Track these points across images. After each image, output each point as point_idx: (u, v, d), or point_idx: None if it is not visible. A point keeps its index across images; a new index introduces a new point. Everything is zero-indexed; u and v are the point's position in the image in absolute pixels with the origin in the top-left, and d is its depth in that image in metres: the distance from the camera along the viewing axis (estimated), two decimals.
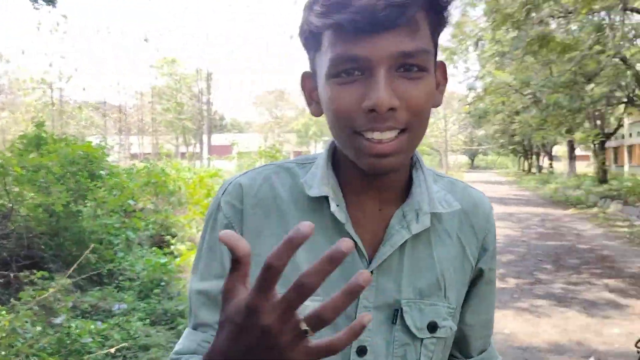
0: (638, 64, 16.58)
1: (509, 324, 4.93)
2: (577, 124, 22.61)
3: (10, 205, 4.89)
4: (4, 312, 3.39)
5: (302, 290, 0.47)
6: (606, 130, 23.09)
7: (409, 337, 0.80)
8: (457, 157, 57.14)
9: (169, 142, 38.79)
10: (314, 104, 0.79)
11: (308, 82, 0.80)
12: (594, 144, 23.32)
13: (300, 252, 0.75)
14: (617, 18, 11.81)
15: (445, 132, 29.09)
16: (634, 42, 17.19)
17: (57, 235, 5.05)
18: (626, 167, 36.34)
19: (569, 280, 6.65)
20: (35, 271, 4.51)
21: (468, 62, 34.19)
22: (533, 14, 9.88)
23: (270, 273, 0.47)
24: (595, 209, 15.51)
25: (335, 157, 0.82)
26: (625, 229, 11.16)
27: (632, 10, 13.93)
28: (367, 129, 0.69)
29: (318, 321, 0.48)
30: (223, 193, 0.82)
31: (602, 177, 22.74)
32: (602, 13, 12.84)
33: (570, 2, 10.60)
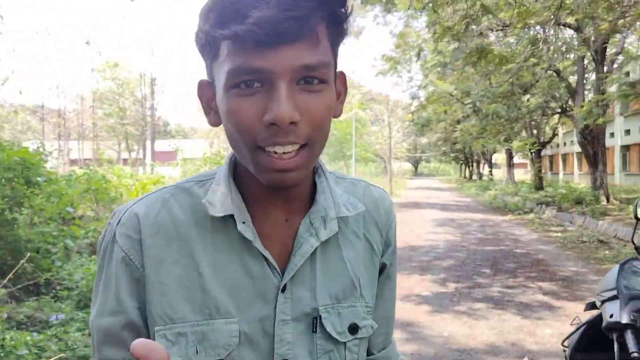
0: (570, 77, 17.54)
1: (447, 327, 5.08)
2: (514, 133, 23.59)
3: None
4: None
5: None
6: (542, 139, 24.17)
7: (331, 343, 0.79)
8: (401, 164, 58.26)
9: (110, 148, 37.64)
10: (212, 113, 0.76)
11: (205, 90, 0.76)
12: (531, 152, 24.40)
13: (210, 273, 0.74)
14: (551, 32, 12.45)
15: (389, 139, 29.60)
16: (567, 56, 18.16)
17: None
18: (561, 175, 38.21)
19: (506, 283, 6.92)
20: None
21: (411, 72, 35.06)
22: (472, 27, 10.26)
23: None
24: (531, 215, 16.20)
25: (236, 171, 0.79)
26: (559, 234, 11.73)
27: (565, 25, 14.74)
28: (268, 143, 0.67)
29: None
30: (118, 223, 0.76)
31: (539, 184, 23.81)
32: (537, 27, 13.48)
33: (507, 16, 11.09)
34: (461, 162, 54.09)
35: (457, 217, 15.97)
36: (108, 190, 7.89)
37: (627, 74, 20.70)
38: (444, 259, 8.84)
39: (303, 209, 0.80)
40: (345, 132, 25.27)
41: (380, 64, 21.55)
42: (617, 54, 16.36)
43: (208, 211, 0.74)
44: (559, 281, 7.01)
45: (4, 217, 4.85)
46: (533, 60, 14.06)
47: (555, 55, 15.37)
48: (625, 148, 27.29)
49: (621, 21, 11.01)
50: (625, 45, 16.33)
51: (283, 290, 0.75)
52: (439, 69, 20.42)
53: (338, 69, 0.76)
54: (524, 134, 24.77)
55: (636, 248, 2.51)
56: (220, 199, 0.75)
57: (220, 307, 0.73)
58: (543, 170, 29.18)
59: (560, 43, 16.29)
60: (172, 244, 0.75)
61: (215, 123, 0.75)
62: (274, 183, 0.70)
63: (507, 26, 12.60)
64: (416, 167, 79.61)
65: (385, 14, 11.59)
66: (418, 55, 14.86)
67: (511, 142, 25.87)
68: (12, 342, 3.30)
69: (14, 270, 4.19)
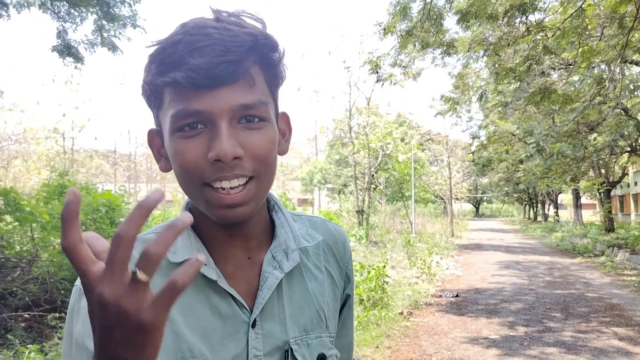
0: (639, 114, 16.93)
1: None
2: (581, 173, 22.82)
3: (35, 251, 5.07)
4: (32, 353, 3.51)
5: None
6: (611, 179, 23.21)
7: None
8: (462, 205, 57.11)
9: (176, 190, 39.14)
10: (163, 159, 0.78)
11: (155, 138, 0.80)
12: (600, 193, 23.44)
13: (181, 317, 0.75)
14: (617, 70, 12.18)
15: (449, 180, 29.26)
16: (635, 94, 17.60)
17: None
18: (632, 216, 36.25)
19: (578, 328, 6.68)
20: (57, 315, 4.65)
21: (471, 112, 34.80)
22: (534, 66, 10.23)
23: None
24: (602, 258, 15.48)
25: (194, 216, 0.77)
26: (633, 278, 11.15)
27: (632, 62, 14.38)
28: (214, 179, 0.70)
29: (147, 259, 0.46)
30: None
31: (609, 225, 22.73)
32: (603, 65, 13.23)
33: (570, 56, 10.99)
34: (525, 202, 52.41)
35: (522, 260, 15.50)
36: None
37: None
38: (512, 302, 8.61)
39: (264, 245, 0.82)
40: (404, 173, 25.18)
41: (438, 104, 21.64)
42: None
43: (169, 258, 0.76)
44: (636, 326, 6.70)
45: None
46: (599, 98, 13.75)
47: (623, 93, 14.95)
48: None
49: None
50: None
51: (253, 326, 0.77)
52: (499, 108, 20.24)
53: (281, 110, 0.81)
54: (591, 173, 23.89)
55: None
56: (180, 244, 0.77)
57: (194, 350, 0.74)
58: (613, 211, 27.90)
59: (627, 81, 15.87)
60: None
61: (166, 169, 0.78)
62: (224, 219, 0.72)
63: (570, 65, 12.46)
64: (477, 208, 77.68)
65: (444, 55, 11.75)
66: (480, 98, 14.84)
67: (578, 182, 24.97)
68: None
69: None
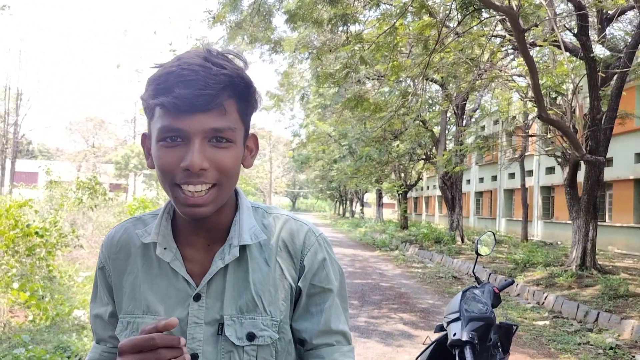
0: (435, 127, 19.30)
1: None
2: (385, 175, 25.21)
3: None
4: None
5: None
6: (408, 182, 25.99)
7: (231, 346, 0.97)
8: (280, 199, 58.93)
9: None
10: (150, 158, 0.97)
11: (146, 141, 0.99)
12: (399, 194, 26.14)
13: (147, 283, 1.01)
14: (420, 86, 13.74)
15: (270, 174, 30.04)
16: (432, 108, 19.98)
17: None
18: (423, 216, 41.10)
19: (372, 314, 7.43)
20: None
21: (294, 110, 36.12)
22: (352, 74, 11.04)
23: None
24: (396, 252, 17.33)
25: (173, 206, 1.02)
26: (420, 270, 12.73)
27: (432, 80, 16.32)
28: (183, 182, 0.89)
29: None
30: (103, 243, 1.09)
31: (404, 223, 25.49)
32: (408, 80, 14.79)
33: (383, 68, 12.09)
34: (336, 199, 55.98)
35: None
36: None
37: (483, 128, 23.22)
38: None
39: (223, 237, 1.01)
40: None
41: (264, 99, 22.07)
42: (475, 110, 18.36)
43: (141, 239, 1.03)
44: (418, 312, 7.66)
45: None
46: (403, 109, 15.35)
47: (423, 107, 16.89)
48: (479, 194, 30.26)
49: (478, 82, 12.52)
50: (482, 102, 18.38)
51: (197, 299, 0.97)
52: (319, 110, 21.35)
53: (251, 132, 1.01)
54: (393, 176, 26.48)
55: (476, 278, 3.01)
56: (153, 228, 1.02)
57: (151, 307, 1.00)
58: (408, 211, 31.23)
59: (427, 96, 17.95)
60: (129, 259, 1.05)
61: (152, 166, 0.97)
62: (188, 215, 0.92)
63: (382, 76, 13.71)
64: (294, 203, 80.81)
65: (271, 52, 12.06)
66: (302, 98, 15.50)
67: (381, 183, 27.55)
68: None
69: None
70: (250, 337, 0.98)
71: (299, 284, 1.03)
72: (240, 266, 1.00)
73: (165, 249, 0.99)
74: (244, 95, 0.94)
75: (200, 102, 0.87)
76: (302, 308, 1.04)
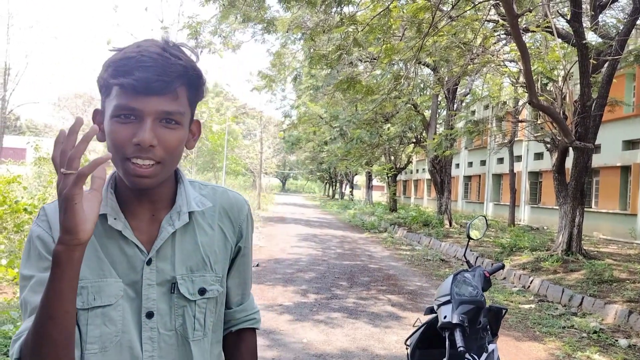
0: (426, 111, 19.32)
1: (306, 334, 5.46)
2: (375, 158, 25.26)
3: None
4: None
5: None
6: (398, 165, 26.08)
7: (185, 301, 1.10)
8: (270, 180, 58.91)
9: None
10: (101, 133, 1.05)
11: (98, 116, 1.07)
12: (388, 177, 26.23)
13: (100, 251, 1.05)
14: (412, 70, 13.71)
15: (260, 154, 29.91)
16: (424, 92, 19.98)
17: None
18: (412, 199, 41.34)
19: (360, 295, 7.51)
20: None
21: (285, 91, 35.87)
22: (345, 56, 10.98)
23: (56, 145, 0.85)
24: (385, 234, 17.45)
25: (117, 182, 1.11)
26: (408, 252, 12.84)
27: (424, 64, 16.29)
28: (133, 156, 0.98)
29: (68, 160, 0.83)
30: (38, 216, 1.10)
31: (393, 206, 25.64)
32: (401, 64, 14.75)
33: (375, 50, 12.03)
34: (326, 181, 56.11)
35: (319, 233, 16.69)
36: None
37: (473, 112, 23.29)
38: (306, 271, 9.29)
39: (167, 207, 1.13)
40: (217, 144, 25.03)
41: (256, 79, 21.90)
42: (466, 94, 18.39)
43: None
44: (406, 294, 7.76)
45: None
46: (395, 92, 15.33)
47: (414, 90, 16.88)
48: (468, 178, 30.46)
49: (470, 66, 12.52)
50: (473, 87, 18.40)
51: (149, 264, 1.08)
52: (311, 91, 21.26)
53: (196, 118, 1.13)
54: (383, 159, 26.55)
55: (467, 262, 3.05)
56: (102, 201, 1.05)
57: (105, 271, 1.06)
58: (397, 194, 31.42)
59: (419, 80, 17.93)
60: None
61: (102, 140, 1.05)
62: (134, 184, 1.01)
63: (375, 59, 13.66)
64: (284, 183, 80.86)
65: (264, 32, 11.94)
66: (295, 79, 15.41)
67: (371, 166, 27.61)
68: None
69: None
70: (202, 291, 1.12)
71: (239, 244, 1.21)
72: (187, 231, 1.13)
73: (115, 219, 1.07)
74: (195, 84, 1.05)
75: (157, 86, 0.97)
76: (233, 267, 1.22)
